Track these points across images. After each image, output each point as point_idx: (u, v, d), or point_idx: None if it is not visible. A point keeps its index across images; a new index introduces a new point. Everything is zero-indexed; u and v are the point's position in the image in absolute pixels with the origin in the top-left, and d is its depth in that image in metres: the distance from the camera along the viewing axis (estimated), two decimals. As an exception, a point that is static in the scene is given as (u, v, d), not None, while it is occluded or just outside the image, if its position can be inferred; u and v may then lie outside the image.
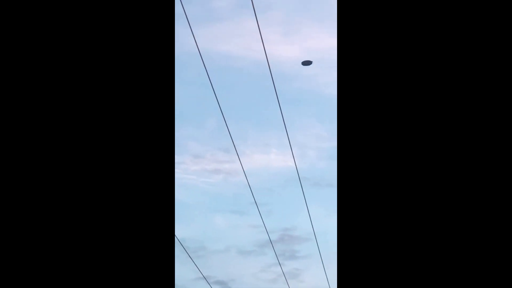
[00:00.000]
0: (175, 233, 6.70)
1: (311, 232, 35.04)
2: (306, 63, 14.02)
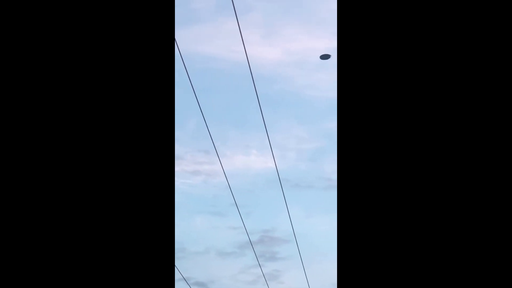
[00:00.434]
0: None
1: (291, 233, 35.04)
2: (325, 57, 13.79)
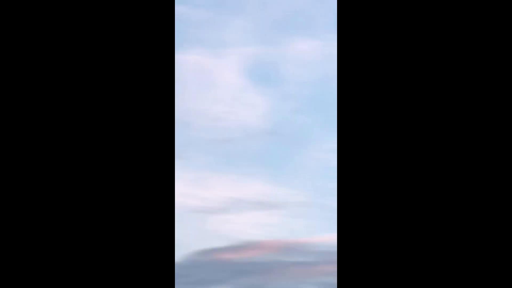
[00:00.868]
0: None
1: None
2: None
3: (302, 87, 15.64)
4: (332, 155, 15.26)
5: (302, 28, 15.65)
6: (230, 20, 17.40)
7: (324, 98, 15.59)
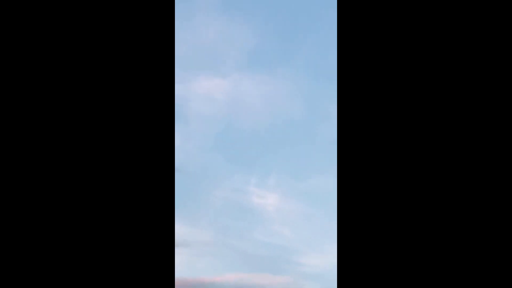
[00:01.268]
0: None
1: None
2: None
3: (209, 125, 15.64)
4: (238, 194, 15.23)
5: (210, 66, 15.72)
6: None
7: (230, 135, 15.63)
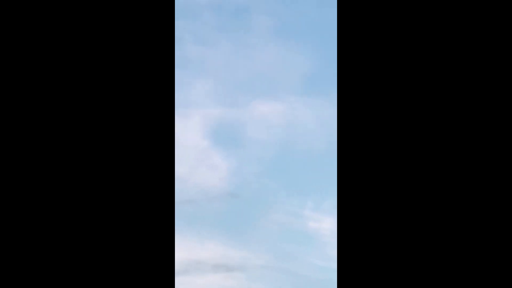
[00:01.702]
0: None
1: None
2: None
3: (265, 150, 15.68)
4: (294, 218, 15.18)
5: (266, 91, 15.79)
6: (194, 81, 17.54)
7: (286, 159, 15.63)
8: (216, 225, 15.64)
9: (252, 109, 15.88)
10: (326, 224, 14.72)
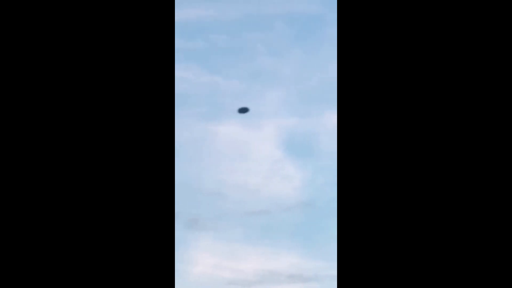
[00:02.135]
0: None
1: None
2: (243, 110, 13.71)
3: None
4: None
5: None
6: (266, 92, 17.48)
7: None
8: (291, 235, 15.59)
9: (325, 119, 15.74)
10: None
